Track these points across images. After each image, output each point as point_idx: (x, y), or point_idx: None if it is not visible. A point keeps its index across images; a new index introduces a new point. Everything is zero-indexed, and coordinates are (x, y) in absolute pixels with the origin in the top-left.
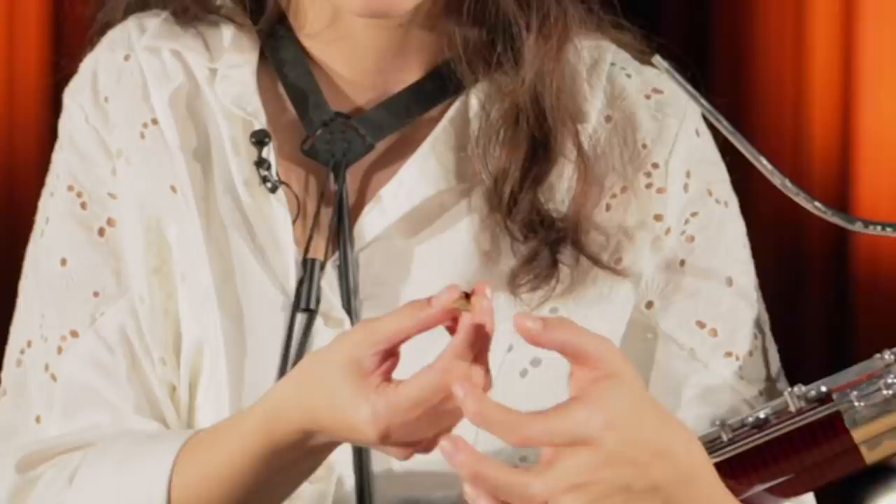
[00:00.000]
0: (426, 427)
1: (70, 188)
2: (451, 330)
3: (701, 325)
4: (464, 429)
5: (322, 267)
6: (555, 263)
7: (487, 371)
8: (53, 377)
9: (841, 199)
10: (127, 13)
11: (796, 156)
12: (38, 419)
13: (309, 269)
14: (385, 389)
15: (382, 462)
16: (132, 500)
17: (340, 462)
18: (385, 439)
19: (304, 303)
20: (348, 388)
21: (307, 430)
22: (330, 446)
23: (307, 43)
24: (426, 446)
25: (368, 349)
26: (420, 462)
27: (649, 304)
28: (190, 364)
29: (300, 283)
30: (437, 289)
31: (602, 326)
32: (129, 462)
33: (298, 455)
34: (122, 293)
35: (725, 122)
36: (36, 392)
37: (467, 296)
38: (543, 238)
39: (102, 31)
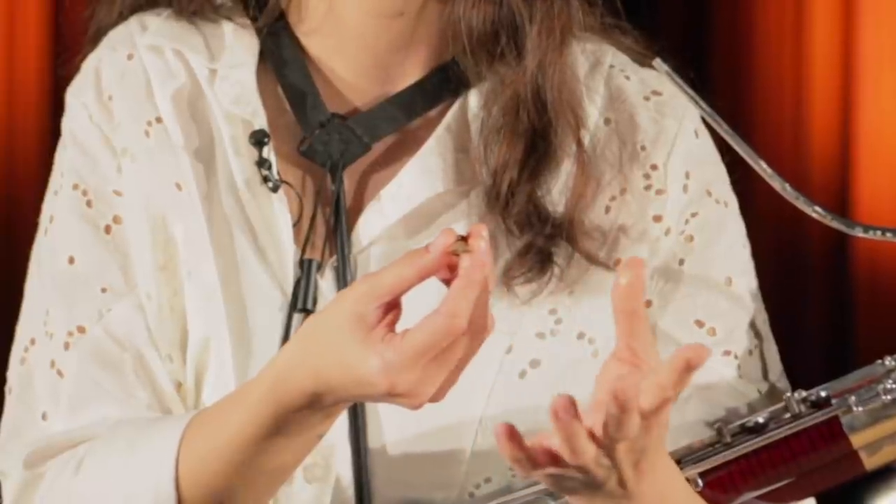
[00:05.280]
0: (435, 374)
1: (75, 186)
2: (448, 283)
3: (700, 324)
4: (475, 392)
5: (320, 267)
6: (549, 258)
7: (490, 313)
8: (60, 373)
9: (841, 198)
10: (122, 16)
11: (796, 156)
12: (44, 416)
13: (306, 270)
14: (392, 339)
15: (382, 462)
16: (140, 481)
17: (339, 461)
18: (394, 390)
19: (302, 303)
20: (355, 343)
21: (316, 392)
22: (337, 409)
23: (306, 41)
24: (436, 395)
25: (371, 302)
26: (420, 463)
27: (648, 304)
28: (196, 360)
29: (297, 283)
30: (436, 291)
31: (601, 323)
32: (135, 444)
33: (306, 420)
34: (130, 290)
35: (725, 126)
36: (41, 389)
37: (464, 239)
38: (539, 232)
39: (95, 37)
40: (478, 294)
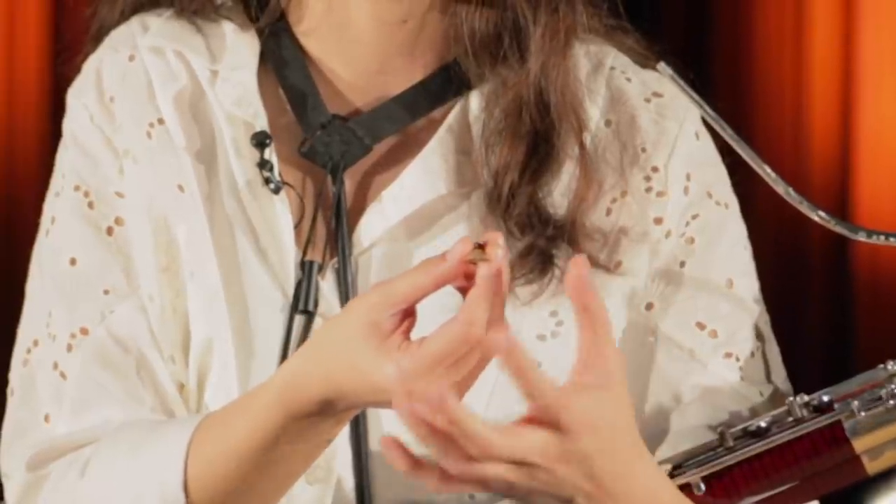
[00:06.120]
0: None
1: (77, 188)
2: (463, 290)
3: (701, 326)
4: (476, 393)
5: (321, 269)
6: (549, 259)
7: (506, 321)
8: (62, 375)
9: (841, 201)
10: (123, 15)
11: (796, 158)
12: (46, 418)
13: (307, 272)
14: (409, 347)
15: (382, 464)
16: (147, 485)
17: (340, 463)
18: (409, 398)
19: (303, 304)
20: (370, 351)
21: (327, 398)
22: (347, 414)
23: (307, 42)
24: None
25: (386, 310)
26: None
27: (649, 306)
28: (198, 362)
29: (298, 284)
30: (452, 304)
31: None
32: (142, 448)
33: (316, 426)
34: (132, 291)
35: (729, 129)
36: (43, 391)
37: (481, 247)
38: (540, 234)
39: (97, 35)
40: (495, 303)
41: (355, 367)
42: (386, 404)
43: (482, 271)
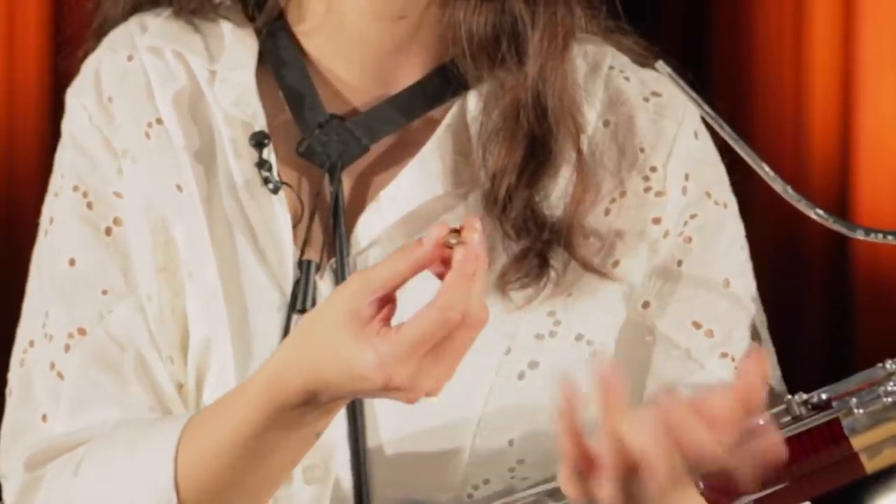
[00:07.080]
0: (431, 368)
1: (75, 188)
2: (442, 276)
3: (697, 325)
4: (474, 392)
5: (319, 268)
6: (545, 263)
7: (484, 305)
8: (60, 375)
9: (841, 200)
10: (126, 11)
11: (796, 158)
12: (44, 418)
13: (305, 271)
14: (387, 333)
15: (380, 463)
16: (139, 482)
17: (338, 463)
18: (390, 384)
19: (301, 304)
20: (350, 338)
21: (311, 389)
22: (334, 405)
23: (305, 42)
24: (433, 390)
25: (365, 298)
26: (419, 464)
27: (646, 305)
28: (197, 362)
29: (296, 284)
30: (434, 292)
31: (600, 324)
32: (135, 445)
33: (303, 418)
34: (131, 291)
35: (728, 128)
36: (41, 391)
37: (457, 231)
38: (536, 237)
39: (100, 29)
40: (472, 286)
41: (336, 355)
42: (367, 393)
43: (458, 255)
